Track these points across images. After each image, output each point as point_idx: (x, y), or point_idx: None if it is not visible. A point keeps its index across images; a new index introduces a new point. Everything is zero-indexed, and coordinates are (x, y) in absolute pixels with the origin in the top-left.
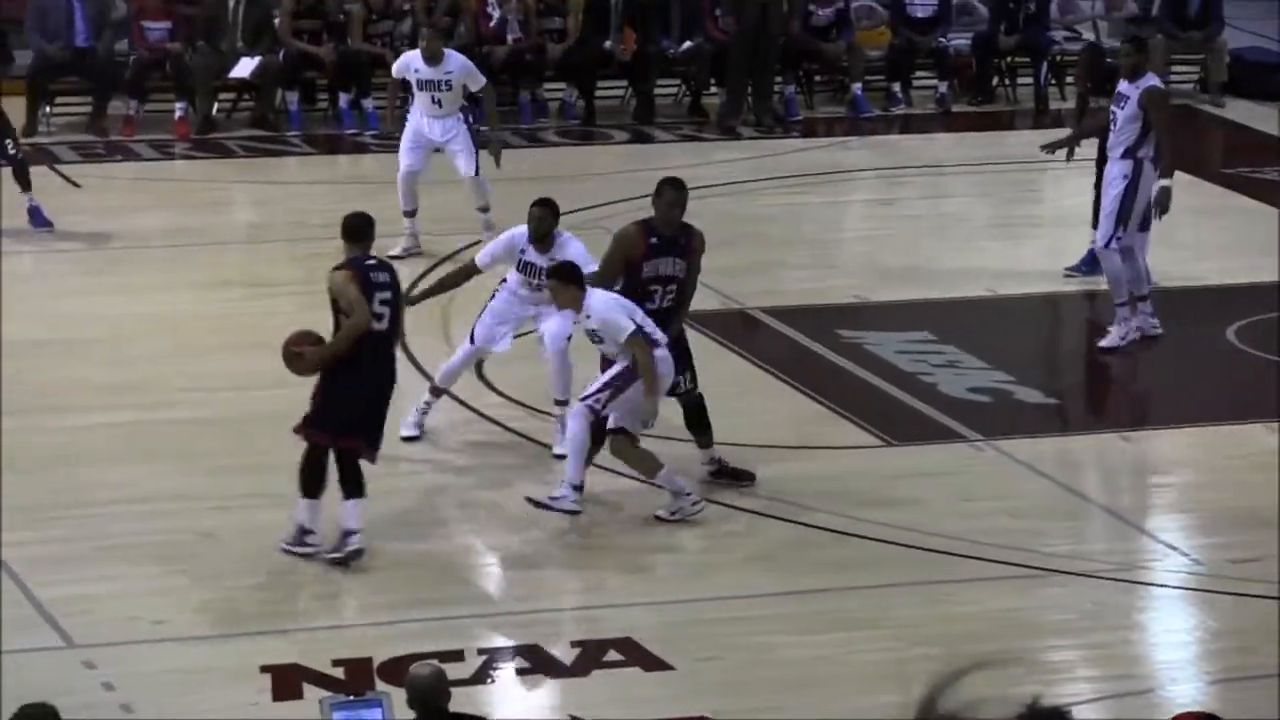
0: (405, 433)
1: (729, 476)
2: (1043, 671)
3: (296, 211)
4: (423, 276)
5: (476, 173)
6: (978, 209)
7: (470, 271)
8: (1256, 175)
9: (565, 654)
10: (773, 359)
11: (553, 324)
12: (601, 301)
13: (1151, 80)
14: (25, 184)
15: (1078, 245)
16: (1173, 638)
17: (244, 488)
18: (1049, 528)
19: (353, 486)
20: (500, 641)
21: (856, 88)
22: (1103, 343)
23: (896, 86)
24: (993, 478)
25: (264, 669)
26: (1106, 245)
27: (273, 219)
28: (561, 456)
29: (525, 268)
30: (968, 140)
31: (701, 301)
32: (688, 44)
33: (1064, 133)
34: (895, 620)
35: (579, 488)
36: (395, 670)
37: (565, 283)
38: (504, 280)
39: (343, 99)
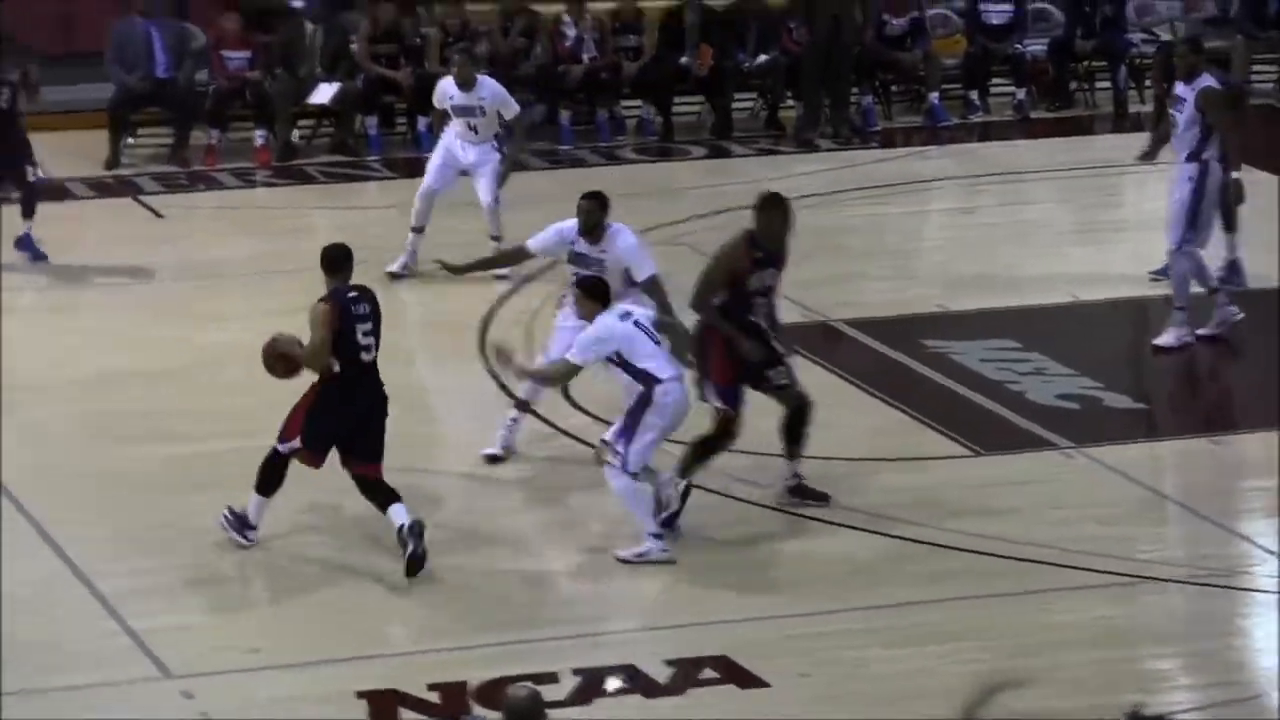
0: (489, 451)
1: (807, 497)
2: (1143, 680)
3: (377, 236)
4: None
5: (496, 202)
6: (1059, 215)
7: (521, 254)
8: None
9: (660, 673)
10: (857, 371)
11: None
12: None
13: (1206, 81)
14: (29, 212)
15: (1162, 249)
16: (1275, 643)
17: (335, 515)
18: (1142, 534)
19: (386, 495)
20: (594, 661)
21: (934, 96)
22: (1158, 340)
23: (974, 94)
24: (1083, 485)
25: (360, 695)
26: (1178, 248)
27: (354, 244)
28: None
29: (576, 259)
30: (1047, 146)
31: (783, 314)
32: (763, 58)
33: (1146, 138)
34: (991, 631)
35: (658, 535)
36: (491, 693)
37: (589, 296)
38: (564, 295)
39: (421, 122)
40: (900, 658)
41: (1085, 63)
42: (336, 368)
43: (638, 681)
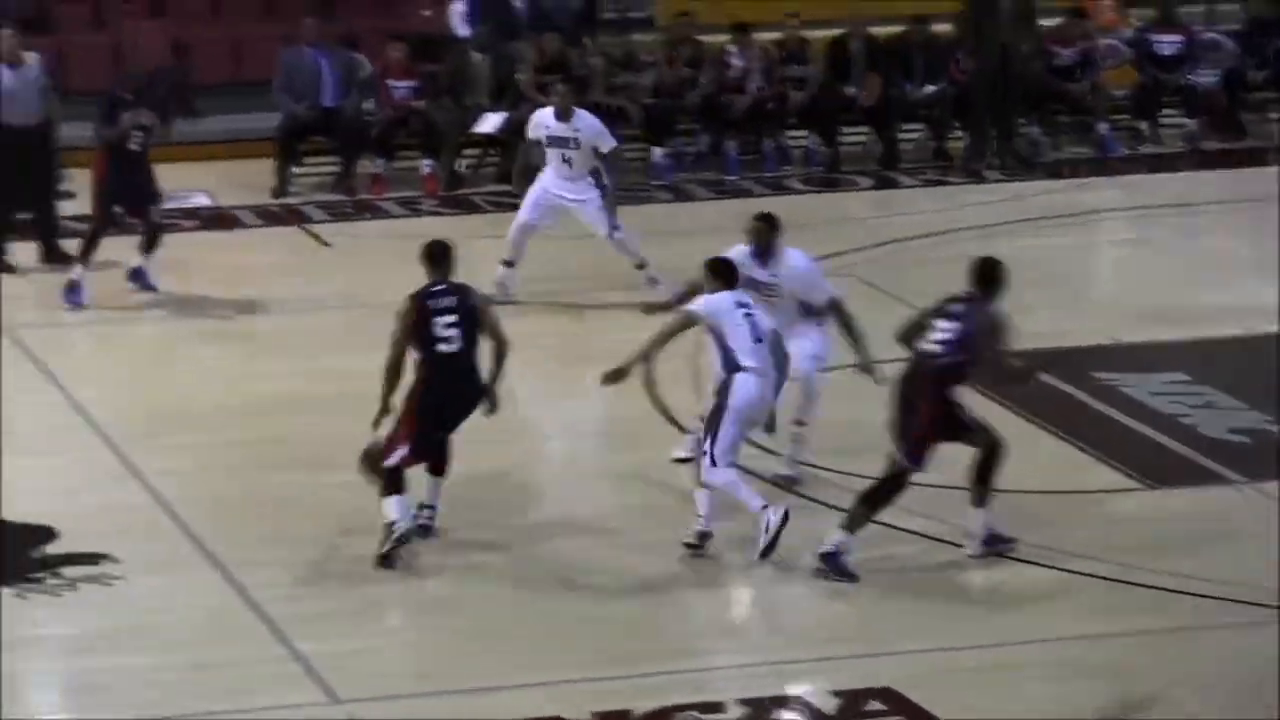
0: (678, 454)
1: (998, 544)
2: None
3: (545, 264)
4: None
5: (616, 231)
6: (1230, 246)
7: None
8: None
9: (827, 703)
10: (1026, 403)
11: (805, 344)
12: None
13: None
14: (150, 249)
15: None
16: None
17: (499, 546)
18: None
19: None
20: (761, 691)
21: (1102, 127)
22: None
23: (1144, 125)
24: (1258, 519)
25: None
26: None
27: (523, 272)
28: (788, 478)
29: (749, 284)
30: (1218, 177)
31: None
32: (930, 88)
33: None
34: (1162, 666)
35: (765, 505)
36: None
37: (714, 274)
38: None
39: None
40: (1069, 693)
41: (1258, 93)
42: (418, 357)
43: (804, 712)
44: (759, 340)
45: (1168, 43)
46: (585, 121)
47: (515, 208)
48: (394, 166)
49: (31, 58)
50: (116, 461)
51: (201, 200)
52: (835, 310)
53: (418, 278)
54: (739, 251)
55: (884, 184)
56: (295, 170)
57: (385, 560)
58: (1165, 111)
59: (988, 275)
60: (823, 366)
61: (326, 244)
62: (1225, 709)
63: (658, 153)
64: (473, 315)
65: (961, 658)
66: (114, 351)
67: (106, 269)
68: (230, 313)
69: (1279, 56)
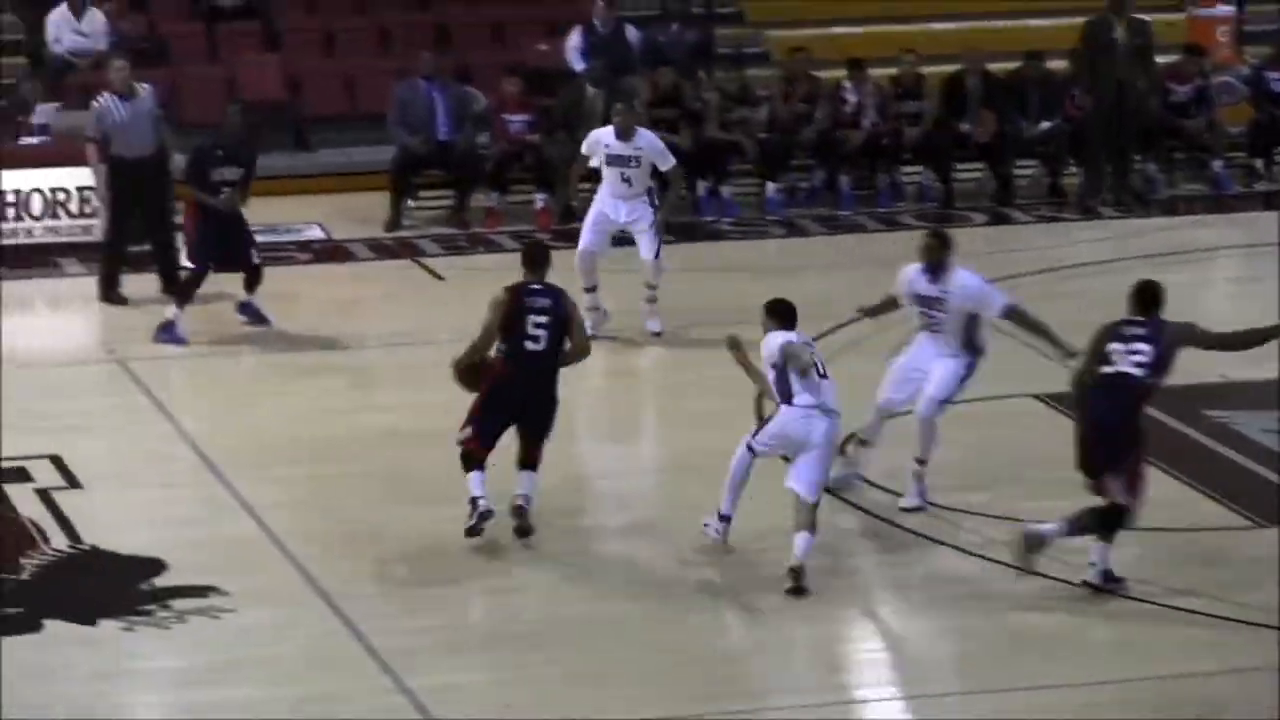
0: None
1: (1110, 582)
2: None
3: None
4: None
5: (657, 256)
6: None
7: (893, 303)
8: None
9: None
10: None
11: (933, 383)
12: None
13: None
14: (253, 287)
15: None
16: None
17: (607, 577)
18: None
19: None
20: None
21: (1218, 164)
22: None
23: (1259, 162)
24: None
25: None
26: None
27: (632, 306)
28: (910, 509)
29: (919, 300)
30: None
31: (1063, 382)
32: (1045, 124)
33: None
34: (1270, 705)
35: (727, 519)
36: None
37: (770, 314)
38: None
39: (701, 186)
40: None
41: None
42: (500, 352)
43: None
44: (823, 376)
45: None
46: (647, 140)
47: (628, 242)
48: (508, 200)
49: (145, 89)
50: (226, 493)
51: (314, 233)
52: (1014, 315)
53: None
54: (910, 269)
55: (998, 220)
56: (409, 204)
57: (471, 532)
58: None
59: (1155, 296)
60: (940, 412)
61: (439, 277)
62: None
63: (771, 188)
64: (563, 320)
65: (1066, 694)
66: (223, 383)
67: (217, 301)
68: (341, 345)
69: None
